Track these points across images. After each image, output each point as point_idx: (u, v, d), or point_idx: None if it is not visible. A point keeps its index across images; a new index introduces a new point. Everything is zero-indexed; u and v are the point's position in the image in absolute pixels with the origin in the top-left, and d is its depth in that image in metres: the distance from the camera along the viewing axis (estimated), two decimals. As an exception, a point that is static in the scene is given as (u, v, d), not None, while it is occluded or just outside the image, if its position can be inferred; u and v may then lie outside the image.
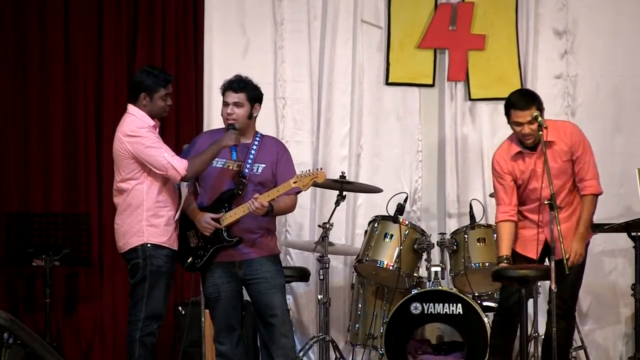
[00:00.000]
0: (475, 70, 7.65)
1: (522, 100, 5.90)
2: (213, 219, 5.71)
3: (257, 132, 5.91)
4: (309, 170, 5.70)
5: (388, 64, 7.73)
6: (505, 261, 5.98)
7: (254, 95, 5.84)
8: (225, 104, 5.80)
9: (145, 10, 7.64)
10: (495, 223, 6.18)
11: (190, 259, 5.81)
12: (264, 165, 5.79)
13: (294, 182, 5.65)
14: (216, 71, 7.55)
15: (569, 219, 6.02)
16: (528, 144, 5.94)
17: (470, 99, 7.67)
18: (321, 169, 5.82)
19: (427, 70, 7.72)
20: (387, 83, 7.75)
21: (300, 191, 5.77)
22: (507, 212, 6.06)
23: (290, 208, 5.91)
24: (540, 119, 5.86)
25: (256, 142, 5.85)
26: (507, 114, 5.96)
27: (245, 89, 5.80)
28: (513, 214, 6.06)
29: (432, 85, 7.74)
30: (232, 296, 5.82)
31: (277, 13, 7.73)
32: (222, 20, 7.71)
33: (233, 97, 5.79)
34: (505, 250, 6.01)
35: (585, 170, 5.99)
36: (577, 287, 6.13)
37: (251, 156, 5.80)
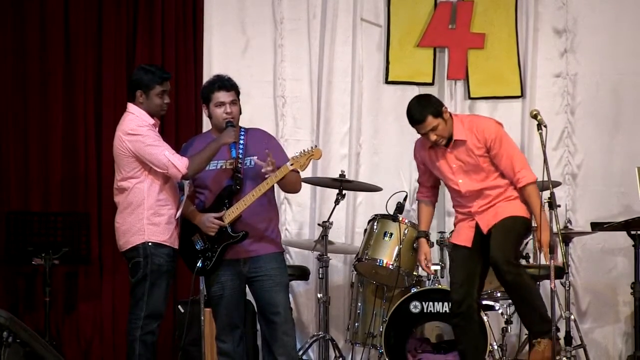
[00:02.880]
0: (474, 69, 7.66)
1: (416, 113, 5.78)
2: (215, 218, 5.72)
3: (240, 127, 5.91)
4: (304, 150, 5.69)
5: (388, 62, 7.74)
6: (424, 237, 6.09)
7: (239, 90, 5.87)
8: (221, 104, 5.77)
9: (145, 10, 7.64)
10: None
11: (199, 263, 5.78)
12: (255, 157, 5.78)
13: (291, 165, 5.64)
14: (216, 70, 7.49)
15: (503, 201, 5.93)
16: (442, 145, 5.85)
17: (470, 98, 7.69)
18: (316, 146, 5.81)
19: (427, 69, 7.73)
20: (387, 82, 7.76)
21: (299, 172, 5.76)
22: (422, 192, 6.15)
23: (297, 183, 5.87)
24: (539, 117, 5.82)
25: (242, 137, 5.84)
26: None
27: (234, 87, 5.82)
28: (428, 194, 6.13)
29: (432, 84, 7.74)
30: (236, 294, 5.80)
31: (276, 12, 7.74)
32: (221, 19, 7.72)
33: (228, 95, 5.78)
34: (423, 226, 6.14)
35: (511, 164, 5.83)
36: (509, 238, 5.86)
37: (241, 151, 5.80)
